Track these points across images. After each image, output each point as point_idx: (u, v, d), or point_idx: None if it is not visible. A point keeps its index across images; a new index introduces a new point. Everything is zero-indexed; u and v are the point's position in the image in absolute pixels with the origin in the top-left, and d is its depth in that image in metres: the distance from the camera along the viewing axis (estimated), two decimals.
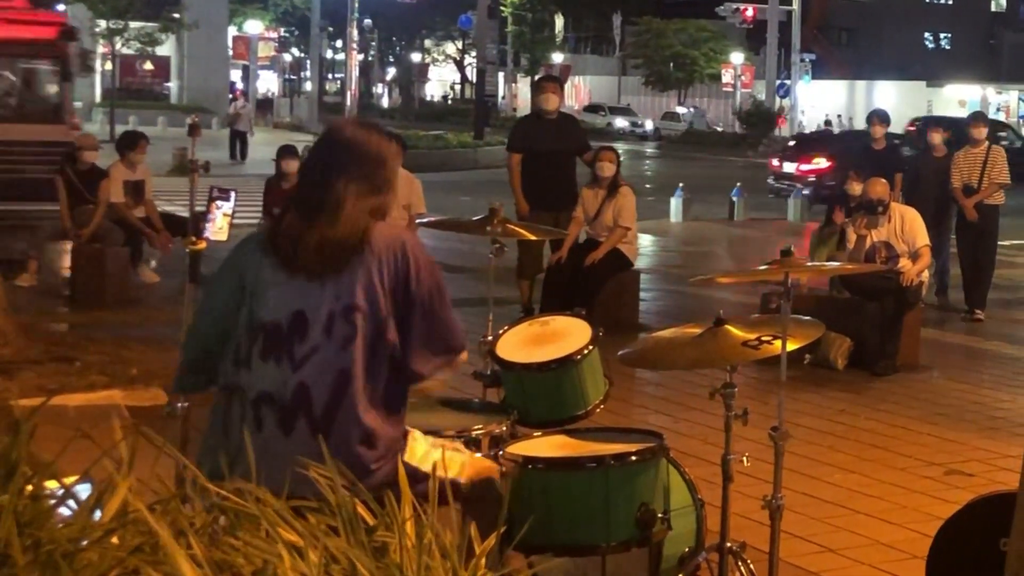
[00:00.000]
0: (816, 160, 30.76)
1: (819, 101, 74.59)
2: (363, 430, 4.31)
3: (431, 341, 4.44)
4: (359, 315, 4.34)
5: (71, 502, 3.05)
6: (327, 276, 4.37)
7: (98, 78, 63.43)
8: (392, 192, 4.61)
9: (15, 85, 21.97)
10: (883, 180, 12.54)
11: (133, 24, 52.63)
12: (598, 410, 5.97)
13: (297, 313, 4.36)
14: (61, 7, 36.81)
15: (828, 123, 71.25)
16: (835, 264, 11.09)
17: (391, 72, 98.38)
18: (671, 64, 75.97)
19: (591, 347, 5.90)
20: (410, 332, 4.41)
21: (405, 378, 4.46)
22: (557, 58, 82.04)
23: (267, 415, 4.33)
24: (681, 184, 28.32)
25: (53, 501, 3.05)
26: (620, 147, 26.83)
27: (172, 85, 70.79)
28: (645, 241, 22.02)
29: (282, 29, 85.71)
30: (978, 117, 16.19)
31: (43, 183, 16.91)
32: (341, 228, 4.39)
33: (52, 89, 21.84)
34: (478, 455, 5.05)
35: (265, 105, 73.76)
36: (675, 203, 27.44)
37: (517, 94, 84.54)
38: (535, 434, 5.65)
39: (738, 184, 28.78)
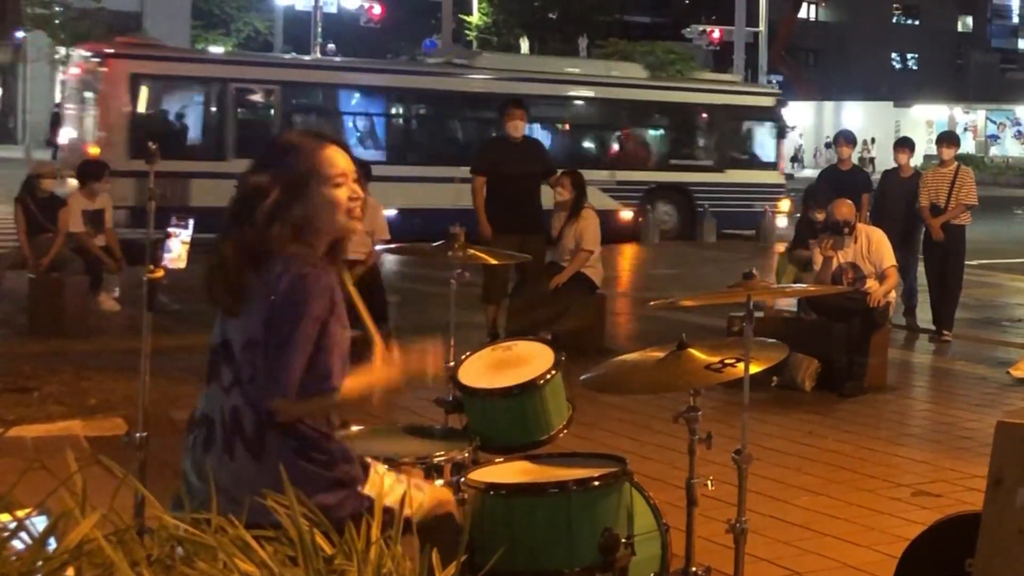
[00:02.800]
0: None
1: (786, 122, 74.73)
2: (299, 444, 4.22)
3: (271, 376, 4.18)
4: (259, 350, 4.19)
5: (25, 535, 3.01)
6: (240, 308, 4.25)
7: None
8: (310, 195, 4.26)
9: (743, 140, 30.23)
10: (849, 201, 12.54)
11: None
12: (561, 435, 5.93)
13: (225, 341, 4.32)
14: (20, 34, 36.53)
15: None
16: (800, 286, 11.09)
17: None
18: None
19: (554, 372, 5.87)
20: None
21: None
22: None
23: (213, 438, 4.29)
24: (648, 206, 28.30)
25: (6, 534, 3.00)
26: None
27: None
28: (611, 264, 22.00)
29: None
30: (948, 137, 16.16)
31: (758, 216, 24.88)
32: (252, 247, 4.23)
33: (770, 143, 30.09)
34: (439, 483, 5.01)
35: None
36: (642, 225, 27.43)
37: None
38: (497, 460, 5.61)
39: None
